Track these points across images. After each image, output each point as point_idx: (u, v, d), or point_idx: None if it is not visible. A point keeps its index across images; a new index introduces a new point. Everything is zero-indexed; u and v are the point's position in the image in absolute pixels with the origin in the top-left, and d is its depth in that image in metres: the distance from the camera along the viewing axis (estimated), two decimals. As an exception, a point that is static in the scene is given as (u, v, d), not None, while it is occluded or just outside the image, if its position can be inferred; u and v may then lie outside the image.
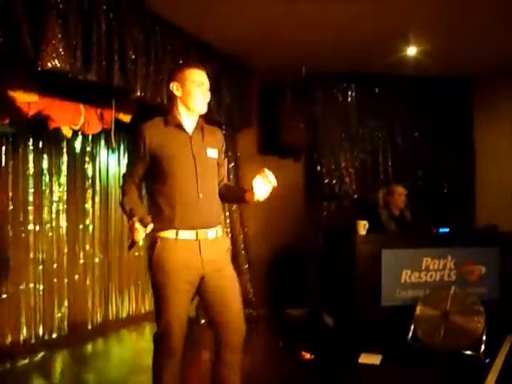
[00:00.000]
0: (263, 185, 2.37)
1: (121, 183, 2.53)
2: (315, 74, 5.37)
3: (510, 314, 4.53)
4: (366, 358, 3.94)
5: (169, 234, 2.37)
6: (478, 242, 4.64)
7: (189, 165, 2.40)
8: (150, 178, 2.46)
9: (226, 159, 2.72)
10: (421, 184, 5.79)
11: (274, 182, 2.36)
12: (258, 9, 3.85)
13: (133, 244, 2.34)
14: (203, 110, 2.49)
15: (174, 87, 2.45)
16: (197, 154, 2.44)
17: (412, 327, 4.10)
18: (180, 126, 2.45)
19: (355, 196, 5.72)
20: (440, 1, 3.69)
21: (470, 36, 4.35)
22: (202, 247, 2.39)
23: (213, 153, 2.52)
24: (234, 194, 2.67)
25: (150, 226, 2.32)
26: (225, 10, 3.83)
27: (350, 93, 5.66)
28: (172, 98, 2.49)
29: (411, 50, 4.70)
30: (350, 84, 5.65)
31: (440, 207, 5.66)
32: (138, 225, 2.28)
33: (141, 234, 2.29)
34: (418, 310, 4.14)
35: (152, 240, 2.41)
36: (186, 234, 2.37)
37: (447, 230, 4.61)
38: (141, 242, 2.34)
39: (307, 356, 3.99)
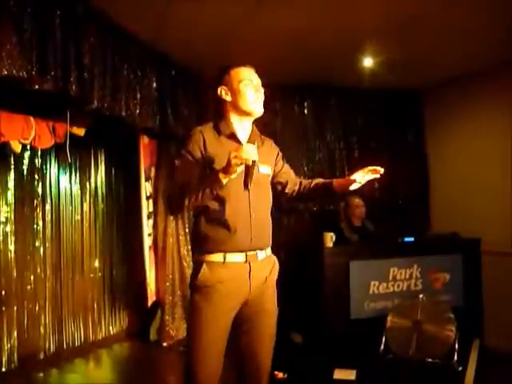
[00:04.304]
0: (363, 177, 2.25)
1: (165, 199, 2.24)
2: (274, 85, 5.27)
3: (474, 320, 4.59)
4: (340, 374, 3.84)
5: (216, 257, 2.11)
6: (442, 250, 4.67)
7: (241, 182, 2.10)
8: None
9: (284, 163, 2.49)
10: (377, 195, 5.81)
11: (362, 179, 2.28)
12: (213, 20, 3.75)
13: (248, 172, 2.02)
14: (259, 111, 2.21)
15: (223, 92, 2.20)
16: None
17: (384, 339, 4.04)
18: (233, 137, 2.19)
19: (314, 209, 5.66)
20: (393, 13, 3.69)
21: (421, 49, 4.41)
22: (252, 270, 2.14)
23: (265, 169, 2.28)
24: (319, 187, 2.41)
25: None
26: (179, 20, 3.72)
27: (306, 105, 5.62)
28: (222, 104, 2.22)
29: (367, 62, 4.72)
30: (306, 96, 5.60)
31: (397, 218, 5.68)
32: (240, 150, 1.92)
33: (249, 151, 1.93)
34: (389, 321, 4.07)
35: (197, 264, 2.15)
36: (234, 257, 2.12)
37: (412, 239, 4.62)
38: (255, 157, 1.95)
39: (280, 375, 3.85)
